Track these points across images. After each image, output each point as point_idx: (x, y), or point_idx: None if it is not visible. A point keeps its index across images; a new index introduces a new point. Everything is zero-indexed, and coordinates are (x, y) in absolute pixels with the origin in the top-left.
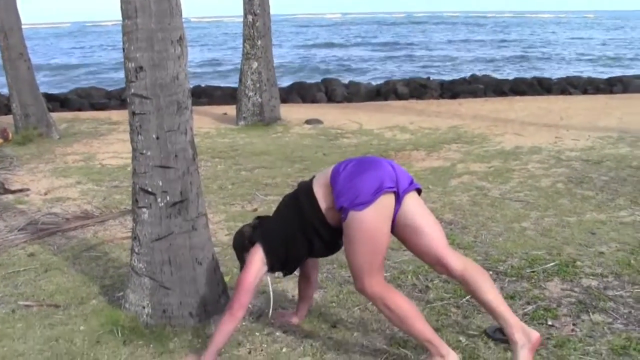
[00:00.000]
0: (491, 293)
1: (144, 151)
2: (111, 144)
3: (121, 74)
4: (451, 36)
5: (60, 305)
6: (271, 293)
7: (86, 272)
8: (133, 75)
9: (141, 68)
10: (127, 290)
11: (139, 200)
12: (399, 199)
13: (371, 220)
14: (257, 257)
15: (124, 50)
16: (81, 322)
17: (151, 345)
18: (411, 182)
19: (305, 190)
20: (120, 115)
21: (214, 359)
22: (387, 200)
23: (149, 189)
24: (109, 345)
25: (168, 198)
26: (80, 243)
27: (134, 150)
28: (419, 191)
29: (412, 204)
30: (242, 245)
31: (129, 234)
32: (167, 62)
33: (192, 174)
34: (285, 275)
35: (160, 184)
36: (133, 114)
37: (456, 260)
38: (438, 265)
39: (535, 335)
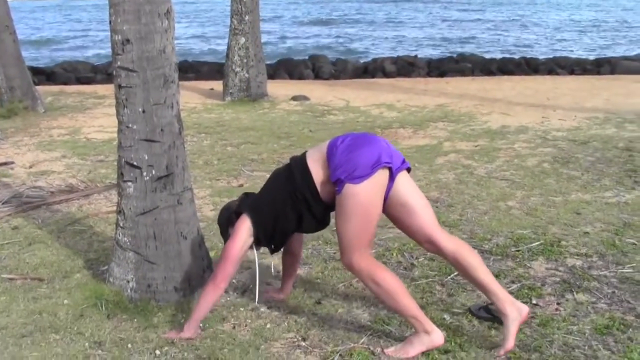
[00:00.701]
0: (481, 271)
1: (130, 125)
2: (97, 118)
3: (107, 49)
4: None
5: (44, 279)
6: (257, 269)
7: (70, 245)
8: (119, 48)
9: (128, 41)
10: (112, 264)
11: (125, 174)
12: (392, 177)
13: (366, 194)
14: (244, 228)
15: (110, 23)
16: (65, 295)
17: (135, 320)
18: (403, 161)
19: (299, 163)
20: (106, 90)
21: (196, 329)
22: (382, 175)
23: (135, 163)
24: (93, 319)
25: (153, 172)
26: (65, 217)
27: (120, 123)
28: (408, 170)
29: (405, 182)
30: (227, 219)
31: (114, 208)
32: (154, 35)
33: (178, 148)
34: (272, 252)
35: (146, 157)
36: (119, 87)
37: (447, 240)
38: (429, 244)
39: (525, 309)
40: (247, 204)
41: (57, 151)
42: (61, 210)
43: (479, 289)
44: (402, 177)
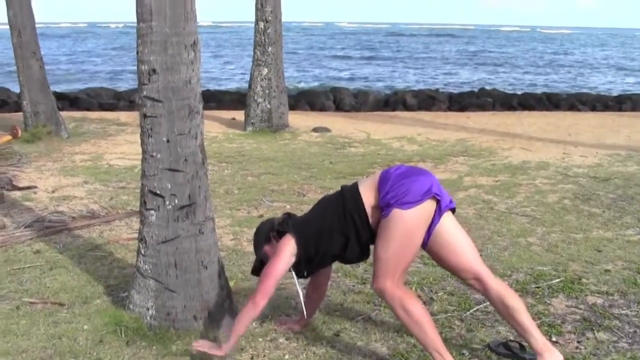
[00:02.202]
0: (525, 314)
1: (154, 154)
2: (119, 144)
3: (129, 78)
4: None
5: (64, 304)
6: (298, 285)
7: (91, 271)
8: (146, 78)
9: (154, 71)
10: (132, 291)
11: (147, 202)
12: (440, 211)
13: (412, 221)
14: (288, 248)
15: (137, 53)
16: (85, 321)
17: (154, 347)
18: (450, 201)
19: (350, 189)
20: (128, 117)
21: (235, 346)
22: (430, 205)
23: (158, 192)
24: (112, 345)
25: (176, 201)
26: (86, 242)
27: (144, 152)
28: (453, 211)
29: (451, 221)
30: (266, 235)
31: (135, 235)
32: (180, 66)
33: (200, 178)
34: (301, 277)
35: (169, 186)
36: (144, 116)
37: (494, 279)
38: (476, 281)
39: (559, 357)
40: (292, 224)
41: (80, 177)
42: (82, 236)
43: (518, 331)
44: (449, 216)
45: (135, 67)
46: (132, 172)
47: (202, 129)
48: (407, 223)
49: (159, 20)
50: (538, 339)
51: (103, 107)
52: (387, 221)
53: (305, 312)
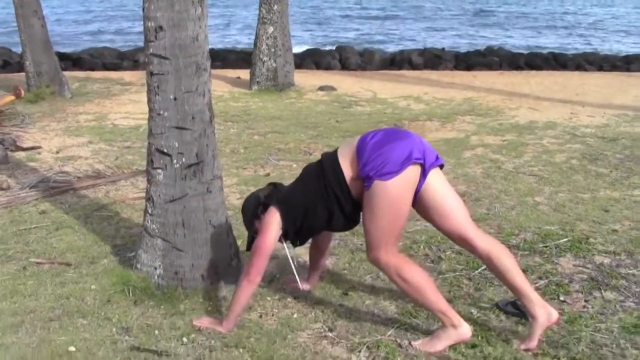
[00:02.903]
0: (515, 273)
1: (161, 112)
2: (123, 104)
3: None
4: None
5: (71, 264)
6: (290, 256)
7: (97, 231)
8: (152, 35)
9: (161, 28)
10: (139, 251)
11: (154, 161)
12: (424, 172)
13: (396, 191)
14: (274, 222)
15: (143, 10)
16: (92, 281)
17: (162, 307)
18: (437, 157)
19: (330, 160)
20: (132, 76)
21: (234, 324)
22: (413, 172)
23: (165, 150)
24: (120, 305)
25: (184, 160)
26: (92, 202)
27: (151, 110)
28: (441, 167)
29: (437, 180)
30: (253, 209)
31: (141, 195)
32: (187, 22)
33: (208, 136)
34: (295, 246)
35: (177, 145)
36: (151, 74)
37: (481, 239)
38: (462, 242)
39: (555, 314)
40: (277, 197)
41: (84, 137)
42: (88, 196)
43: (510, 289)
44: (435, 175)
45: (141, 27)
46: (137, 131)
47: (209, 87)
48: (391, 194)
49: None
50: (532, 298)
51: (107, 67)
52: (370, 194)
53: (298, 280)
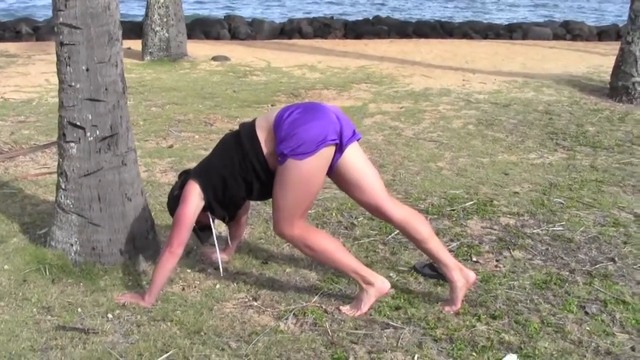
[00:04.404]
0: (430, 241)
1: (73, 83)
2: (11, 77)
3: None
4: None
5: None
6: (216, 241)
7: (2, 209)
8: (62, 4)
9: None
10: (53, 228)
11: (67, 134)
12: (341, 149)
13: (308, 170)
14: (194, 192)
15: None
16: (4, 260)
17: (81, 284)
18: (354, 132)
19: (248, 132)
20: (17, 48)
21: (156, 298)
22: (327, 152)
23: (78, 123)
24: (37, 284)
25: (98, 132)
26: None
27: (62, 82)
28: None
29: (354, 154)
30: (175, 200)
31: (44, 171)
32: None
33: (122, 107)
34: (226, 222)
35: (90, 117)
36: (61, 44)
37: (398, 210)
38: (378, 213)
39: (472, 276)
40: (194, 170)
41: None
42: None
43: (427, 255)
44: (352, 149)
45: None
46: (29, 105)
47: (122, 57)
48: (302, 172)
49: None
50: (448, 264)
51: None
52: (282, 169)
53: (217, 251)
